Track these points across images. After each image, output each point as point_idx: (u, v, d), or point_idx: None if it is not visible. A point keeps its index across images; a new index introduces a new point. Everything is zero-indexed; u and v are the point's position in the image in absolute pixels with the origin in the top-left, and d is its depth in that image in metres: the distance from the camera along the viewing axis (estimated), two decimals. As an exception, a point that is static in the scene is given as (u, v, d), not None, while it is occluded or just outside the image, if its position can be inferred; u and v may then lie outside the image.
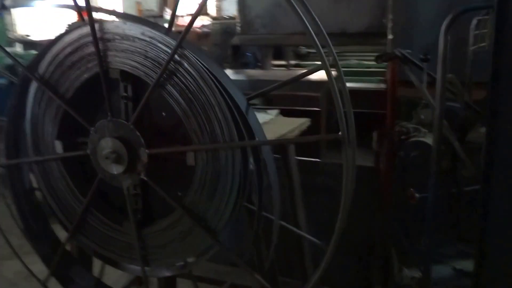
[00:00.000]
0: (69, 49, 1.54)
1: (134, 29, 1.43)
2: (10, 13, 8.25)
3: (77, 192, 1.70)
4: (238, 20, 4.39)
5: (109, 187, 1.67)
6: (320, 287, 2.92)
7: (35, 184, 1.88)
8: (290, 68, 5.13)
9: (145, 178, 1.53)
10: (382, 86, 3.29)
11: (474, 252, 1.37)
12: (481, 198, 1.38)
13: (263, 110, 2.57)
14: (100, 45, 1.46)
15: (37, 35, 8.52)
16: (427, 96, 1.53)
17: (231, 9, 8.38)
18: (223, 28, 6.53)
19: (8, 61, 5.22)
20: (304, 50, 5.79)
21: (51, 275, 1.86)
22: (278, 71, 4.98)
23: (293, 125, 2.31)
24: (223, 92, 1.37)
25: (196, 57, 1.37)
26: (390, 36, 3.13)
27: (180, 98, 1.41)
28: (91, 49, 1.48)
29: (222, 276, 2.89)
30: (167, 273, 1.67)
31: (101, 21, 1.46)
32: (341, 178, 1.25)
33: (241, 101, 1.40)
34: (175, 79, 1.40)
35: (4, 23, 7.88)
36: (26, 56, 6.08)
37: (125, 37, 1.44)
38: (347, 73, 4.98)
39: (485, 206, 1.36)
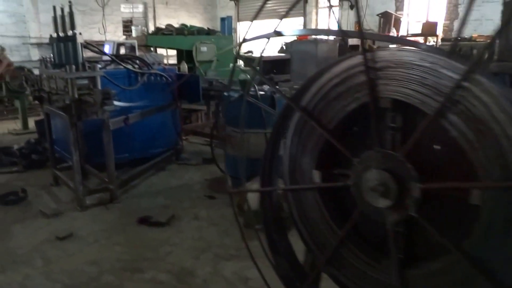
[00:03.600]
0: (336, 80, 1.55)
1: (411, 56, 1.35)
2: (236, 32, 9.45)
3: (332, 223, 1.68)
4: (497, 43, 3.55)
5: (364, 221, 1.61)
6: None
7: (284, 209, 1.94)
8: None
9: (414, 215, 1.40)
10: None
11: None
12: None
13: None
14: (371, 74, 1.42)
15: (257, 52, 9.66)
16: None
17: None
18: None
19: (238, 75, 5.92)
20: None
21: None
22: None
23: None
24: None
25: (490, 81, 1.21)
26: None
27: (465, 128, 1.25)
28: (361, 78, 1.46)
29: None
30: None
31: (374, 50, 1.43)
32: None
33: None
34: (460, 107, 1.26)
35: (232, 41, 8.98)
36: (249, 72, 6.79)
37: (400, 64, 1.37)
38: None
39: None
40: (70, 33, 4.28)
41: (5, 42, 11.65)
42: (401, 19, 9.65)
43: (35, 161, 6.04)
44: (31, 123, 8.33)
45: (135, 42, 6.97)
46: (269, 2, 14.57)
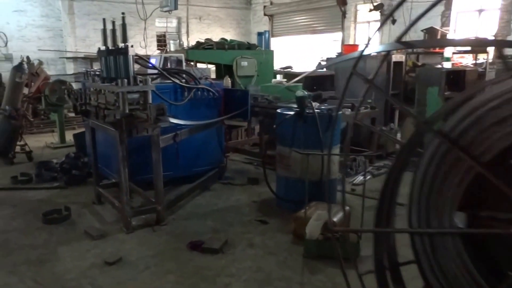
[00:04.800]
0: (496, 102, 1.25)
1: None
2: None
3: (479, 277, 1.37)
4: None
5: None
6: None
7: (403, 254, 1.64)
8: None
9: None
10: None
11: None
12: None
13: None
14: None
15: (296, 67, 9.60)
16: None
17: None
18: None
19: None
20: None
21: None
22: None
23: None
24: None
25: None
26: None
27: None
28: (541, 101, 1.16)
29: None
30: None
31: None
32: None
33: None
34: None
35: (273, 56, 8.78)
36: (292, 88, 6.57)
37: None
38: None
39: None
40: (121, 45, 4.11)
41: (42, 56, 11.77)
42: (447, 35, 9.25)
43: (76, 177, 5.88)
44: (67, 136, 8.26)
45: (182, 56, 6.81)
46: (304, 16, 14.44)
